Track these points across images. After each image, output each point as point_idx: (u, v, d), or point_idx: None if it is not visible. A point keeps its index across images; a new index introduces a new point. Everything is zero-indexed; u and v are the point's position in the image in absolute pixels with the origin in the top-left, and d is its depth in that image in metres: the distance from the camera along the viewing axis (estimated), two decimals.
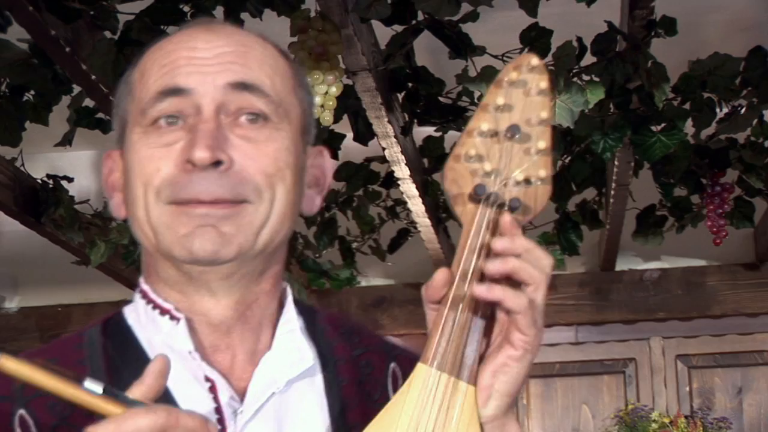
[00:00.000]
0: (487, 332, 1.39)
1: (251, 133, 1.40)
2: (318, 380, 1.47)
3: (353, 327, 1.57)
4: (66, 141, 3.88)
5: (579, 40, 3.43)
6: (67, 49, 3.13)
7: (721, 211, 4.48)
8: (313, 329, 1.52)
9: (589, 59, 3.47)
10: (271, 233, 1.41)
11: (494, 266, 1.35)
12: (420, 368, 1.37)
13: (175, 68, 1.41)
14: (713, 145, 4.28)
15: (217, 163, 1.36)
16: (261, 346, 1.46)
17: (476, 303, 1.37)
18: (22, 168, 4.26)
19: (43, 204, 4.35)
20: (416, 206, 4.43)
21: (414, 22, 3.32)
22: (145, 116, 1.41)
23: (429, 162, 4.43)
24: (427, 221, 4.61)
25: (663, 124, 3.71)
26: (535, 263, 1.35)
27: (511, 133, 1.40)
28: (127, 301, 1.49)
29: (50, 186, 4.38)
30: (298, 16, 3.21)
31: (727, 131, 4.07)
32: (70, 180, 4.44)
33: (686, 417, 5.04)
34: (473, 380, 1.38)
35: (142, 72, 1.45)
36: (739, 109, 3.91)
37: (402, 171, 4.12)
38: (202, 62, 1.41)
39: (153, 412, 1.20)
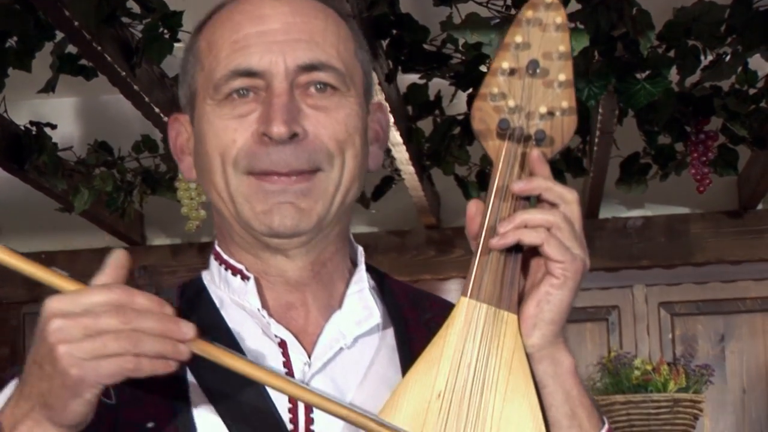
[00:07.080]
0: (525, 263, 1.44)
1: (321, 101, 1.47)
2: (389, 335, 1.54)
3: (421, 293, 1.64)
4: (49, 87, 3.85)
5: None
6: None
7: (704, 158, 4.48)
8: (382, 291, 1.58)
9: (573, 6, 3.46)
10: (343, 197, 1.49)
11: (510, 220, 1.40)
12: (461, 301, 1.42)
13: (247, 47, 1.47)
14: (697, 92, 4.27)
15: (293, 136, 1.44)
16: (333, 301, 1.53)
17: None
18: (4, 114, 4.24)
19: (26, 151, 4.34)
20: (400, 154, 4.42)
21: None
22: (218, 91, 1.47)
23: (413, 109, 4.42)
24: (411, 169, 4.61)
25: (647, 72, 3.70)
26: (555, 199, 1.42)
27: (532, 69, 1.45)
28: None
29: (33, 133, 4.36)
30: None
31: (712, 79, 4.07)
32: (53, 127, 4.42)
33: (669, 364, 5.04)
34: (514, 309, 1.42)
35: (210, 43, 1.51)
36: (723, 56, 3.90)
37: None
38: (272, 38, 1.47)
39: (108, 289, 1.26)
